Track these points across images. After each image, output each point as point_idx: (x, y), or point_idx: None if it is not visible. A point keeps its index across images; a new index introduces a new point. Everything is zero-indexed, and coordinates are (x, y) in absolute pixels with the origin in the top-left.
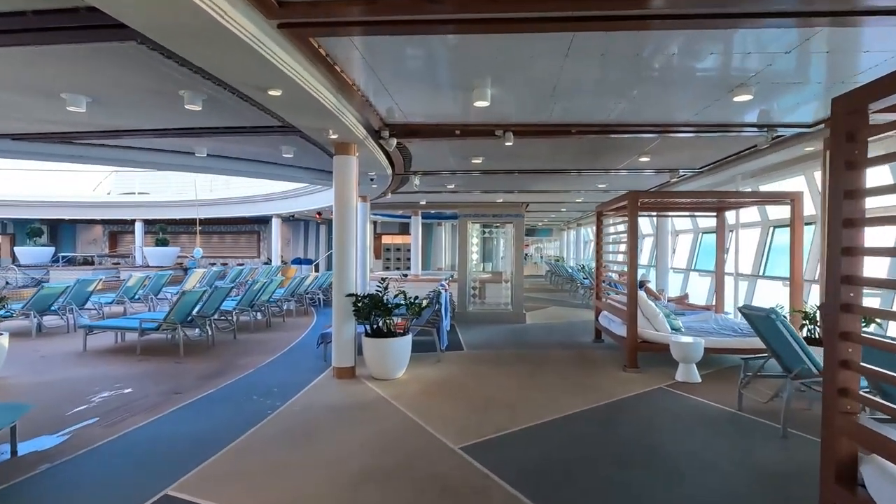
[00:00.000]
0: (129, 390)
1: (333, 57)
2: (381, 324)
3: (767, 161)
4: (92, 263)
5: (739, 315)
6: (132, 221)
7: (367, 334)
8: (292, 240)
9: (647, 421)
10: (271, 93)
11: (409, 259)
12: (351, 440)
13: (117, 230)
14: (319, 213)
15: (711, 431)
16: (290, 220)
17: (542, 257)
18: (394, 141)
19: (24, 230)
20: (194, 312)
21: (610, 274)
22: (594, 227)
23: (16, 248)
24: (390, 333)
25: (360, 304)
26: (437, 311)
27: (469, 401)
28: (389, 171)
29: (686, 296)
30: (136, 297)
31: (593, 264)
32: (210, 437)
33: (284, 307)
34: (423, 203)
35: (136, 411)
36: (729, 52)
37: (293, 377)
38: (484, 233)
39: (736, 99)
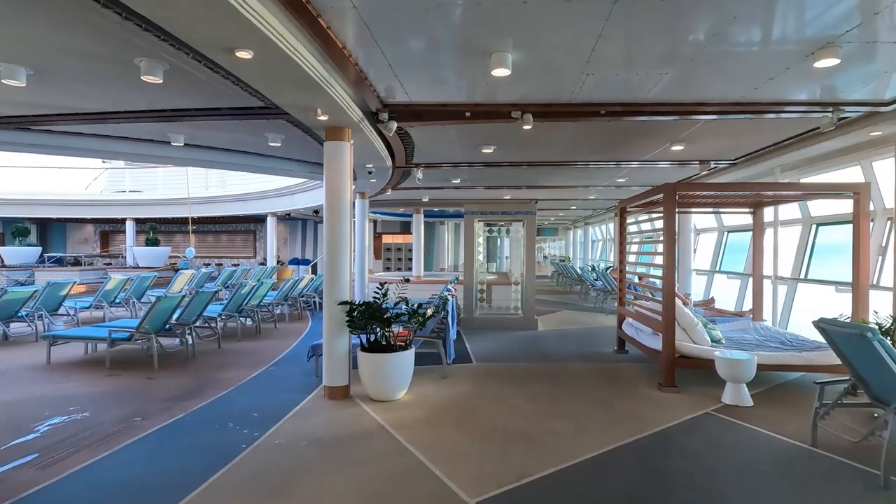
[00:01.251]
0: (85, 415)
1: (317, 5)
2: (378, 336)
3: (815, 150)
4: (80, 264)
5: (778, 323)
6: (123, 220)
7: (363, 348)
8: (289, 239)
9: (704, 462)
10: (240, 54)
11: (410, 259)
12: (341, 489)
13: (109, 229)
14: (317, 212)
15: (788, 478)
16: (286, 218)
17: (545, 257)
18: (394, 125)
19: (10, 229)
20: (173, 320)
21: (633, 277)
22: (604, 227)
23: (1, 249)
24: (389, 347)
25: (355, 314)
26: (444, 319)
27: (483, 432)
28: (389, 162)
29: (712, 300)
30: (117, 301)
31: (602, 265)
32: (163, 483)
33: (277, 311)
34: (425, 200)
35: (85, 445)
36: None
37: (278, 397)
38: (491, 231)
39: (817, 65)
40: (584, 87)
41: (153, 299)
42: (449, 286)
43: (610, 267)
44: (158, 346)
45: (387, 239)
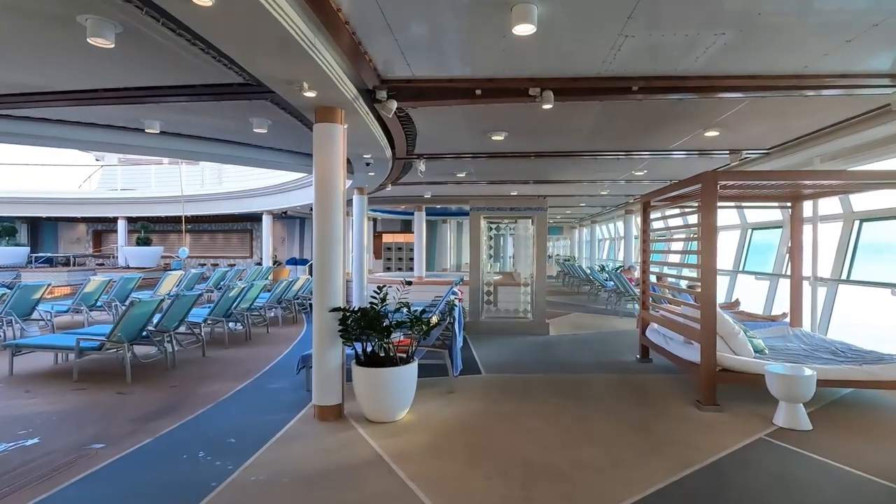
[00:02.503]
0: (36, 441)
1: None
2: (376, 347)
3: (858, 139)
4: (69, 264)
5: (817, 329)
6: (115, 220)
7: (358, 360)
8: (287, 239)
9: None
10: (198, 1)
11: (411, 259)
12: None
13: (102, 229)
14: None
15: None
16: (283, 217)
17: (549, 256)
18: (393, 104)
19: None
20: (152, 326)
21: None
22: (611, 225)
23: None
24: (389, 360)
25: (348, 322)
26: (450, 325)
27: (500, 466)
28: (388, 152)
29: (737, 302)
30: (99, 304)
31: (611, 265)
32: None
33: (271, 314)
34: (427, 196)
35: (23, 483)
36: None
37: (262, 417)
38: (499, 230)
39: None
40: (619, 55)
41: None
42: (454, 288)
43: (620, 266)
44: (132, 356)
45: (387, 238)
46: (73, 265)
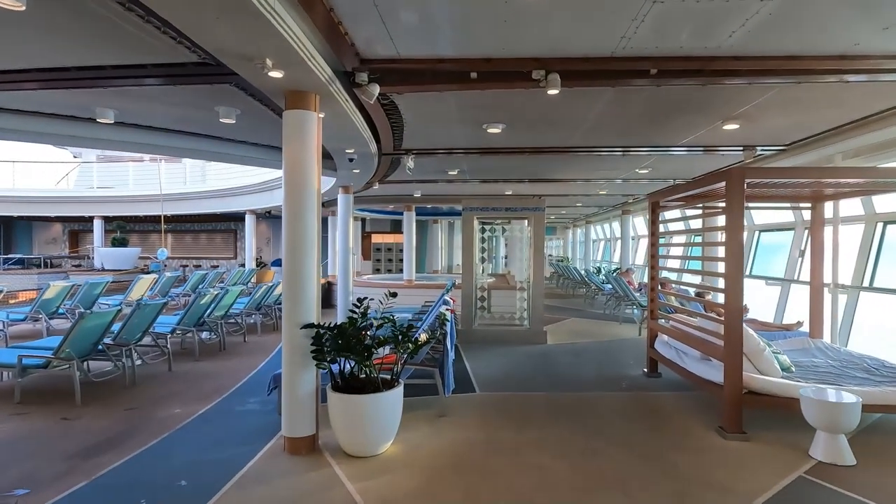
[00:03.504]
0: None
1: None
2: (355, 369)
3: (884, 135)
4: (44, 266)
5: (837, 339)
6: (92, 219)
7: (334, 384)
8: (272, 239)
9: None
10: None
11: (402, 261)
12: None
13: (78, 229)
14: None
15: None
16: (267, 216)
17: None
18: (376, 88)
19: None
20: (109, 339)
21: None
22: (606, 226)
23: None
24: (370, 383)
25: (324, 341)
26: (441, 340)
27: None
28: (373, 146)
29: (745, 309)
30: (61, 311)
31: (605, 266)
32: None
33: (250, 321)
34: (417, 196)
35: None
36: None
37: (224, 449)
38: (493, 231)
39: None
40: (640, 28)
41: (106, 307)
42: (446, 296)
43: (617, 269)
44: (83, 374)
45: (376, 238)
46: (47, 267)
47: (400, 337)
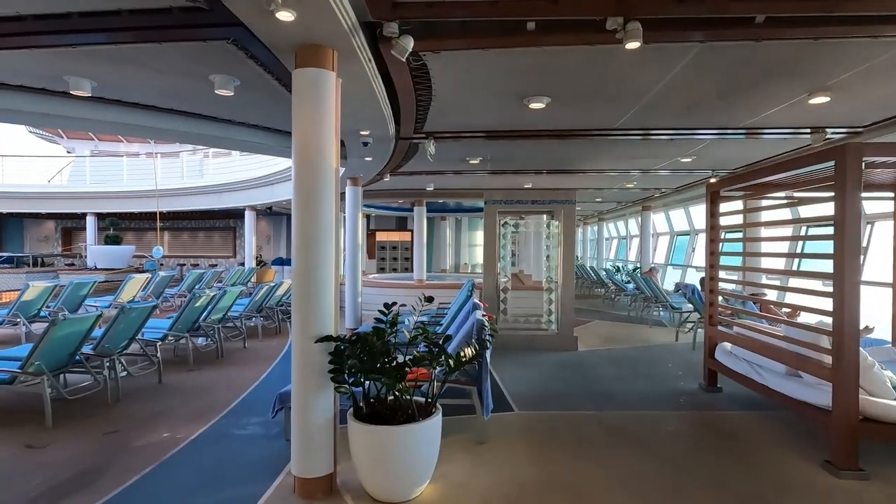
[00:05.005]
0: None
1: None
2: (382, 392)
3: None
4: (35, 264)
5: None
6: (85, 216)
7: (357, 412)
8: (273, 237)
9: None
10: None
11: (407, 259)
12: None
13: (71, 226)
14: None
15: None
16: (267, 213)
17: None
18: (409, 42)
19: None
20: (89, 348)
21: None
22: (620, 223)
23: None
24: (401, 411)
25: (346, 357)
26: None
27: None
28: (392, 127)
29: (868, 330)
30: (43, 314)
31: (622, 265)
32: None
33: (250, 324)
34: (430, 189)
35: None
36: None
37: (218, 490)
38: (516, 226)
39: None
40: None
41: (93, 310)
42: (475, 300)
43: (637, 268)
44: (55, 391)
45: (381, 236)
46: (39, 265)
47: (435, 350)
